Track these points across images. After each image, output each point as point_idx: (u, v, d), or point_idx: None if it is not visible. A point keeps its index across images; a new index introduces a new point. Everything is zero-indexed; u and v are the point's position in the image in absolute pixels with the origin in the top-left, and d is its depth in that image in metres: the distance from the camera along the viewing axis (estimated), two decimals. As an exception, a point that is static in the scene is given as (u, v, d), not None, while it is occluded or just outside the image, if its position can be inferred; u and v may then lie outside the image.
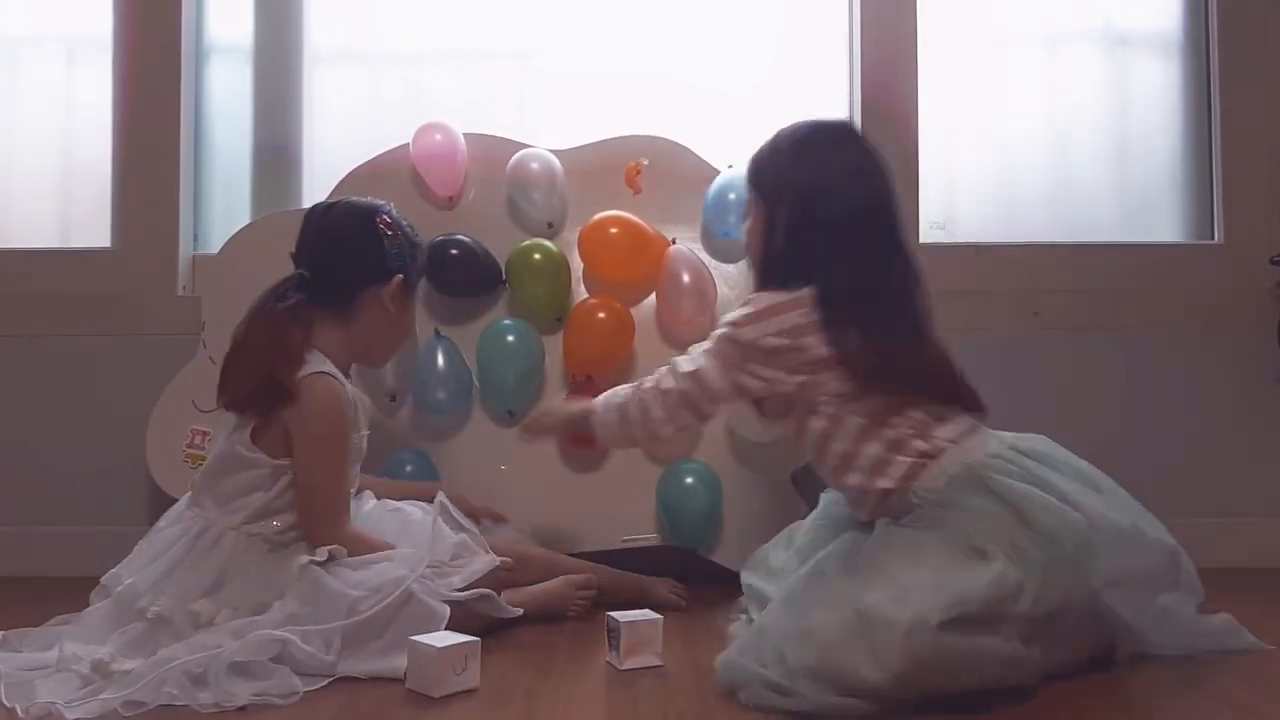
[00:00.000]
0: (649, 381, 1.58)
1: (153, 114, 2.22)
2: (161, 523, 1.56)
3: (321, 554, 1.46)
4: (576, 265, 2.04)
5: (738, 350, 1.49)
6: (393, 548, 1.55)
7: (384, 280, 1.64)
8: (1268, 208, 2.27)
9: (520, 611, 1.59)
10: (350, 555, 1.49)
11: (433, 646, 1.31)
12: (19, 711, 1.23)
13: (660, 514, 1.96)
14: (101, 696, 1.26)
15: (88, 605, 1.52)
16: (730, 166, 2.08)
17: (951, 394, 1.48)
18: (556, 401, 1.82)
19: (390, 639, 1.39)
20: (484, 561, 1.56)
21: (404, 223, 1.70)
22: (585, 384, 1.97)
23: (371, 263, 1.63)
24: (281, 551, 1.50)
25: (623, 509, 1.98)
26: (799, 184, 1.51)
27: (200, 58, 2.32)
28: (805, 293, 1.46)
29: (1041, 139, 2.36)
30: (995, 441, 1.45)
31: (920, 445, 1.42)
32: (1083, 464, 1.47)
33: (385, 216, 1.66)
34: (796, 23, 2.36)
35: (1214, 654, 1.45)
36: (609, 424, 1.61)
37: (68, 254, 2.26)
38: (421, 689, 1.31)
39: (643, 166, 2.09)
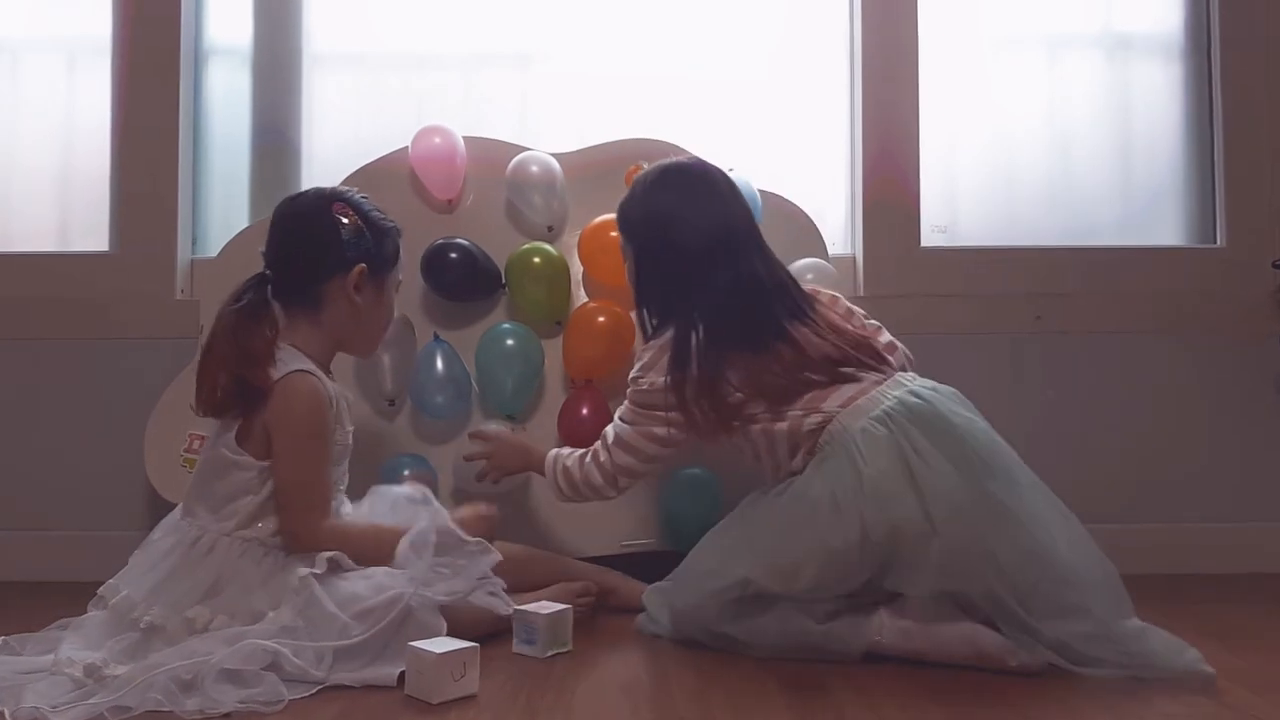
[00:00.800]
0: (590, 451, 1.68)
1: (151, 117, 2.22)
2: (155, 534, 1.55)
3: (320, 565, 1.44)
4: (576, 269, 2.04)
5: (641, 402, 1.62)
6: (381, 527, 1.54)
7: (345, 270, 1.59)
8: (1270, 211, 2.26)
9: (511, 609, 1.55)
10: (338, 552, 1.46)
11: (431, 652, 1.30)
12: (7, 715, 1.23)
13: (661, 519, 1.96)
14: (88, 701, 1.25)
15: (77, 614, 1.52)
16: (730, 169, 2.07)
17: (835, 370, 1.54)
18: (518, 435, 1.86)
19: (385, 653, 1.38)
20: (485, 563, 1.53)
21: (368, 207, 1.64)
22: (585, 388, 1.96)
23: (330, 253, 1.57)
24: (277, 555, 1.49)
25: (624, 514, 1.97)
26: (648, 228, 1.67)
27: (199, 60, 2.32)
28: (668, 334, 1.61)
29: (1043, 142, 2.36)
30: (891, 397, 1.48)
31: (811, 422, 1.50)
32: (972, 433, 1.45)
33: (342, 203, 1.60)
34: (797, 25, 2.36)
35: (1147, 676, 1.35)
36: (558, 485, 1.71)
37: (66, 257, 2.26)
38: (420, 695, 1.30)
39: (642, 169, 2.08)
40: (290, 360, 1.53)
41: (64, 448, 2.16)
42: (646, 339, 1.68)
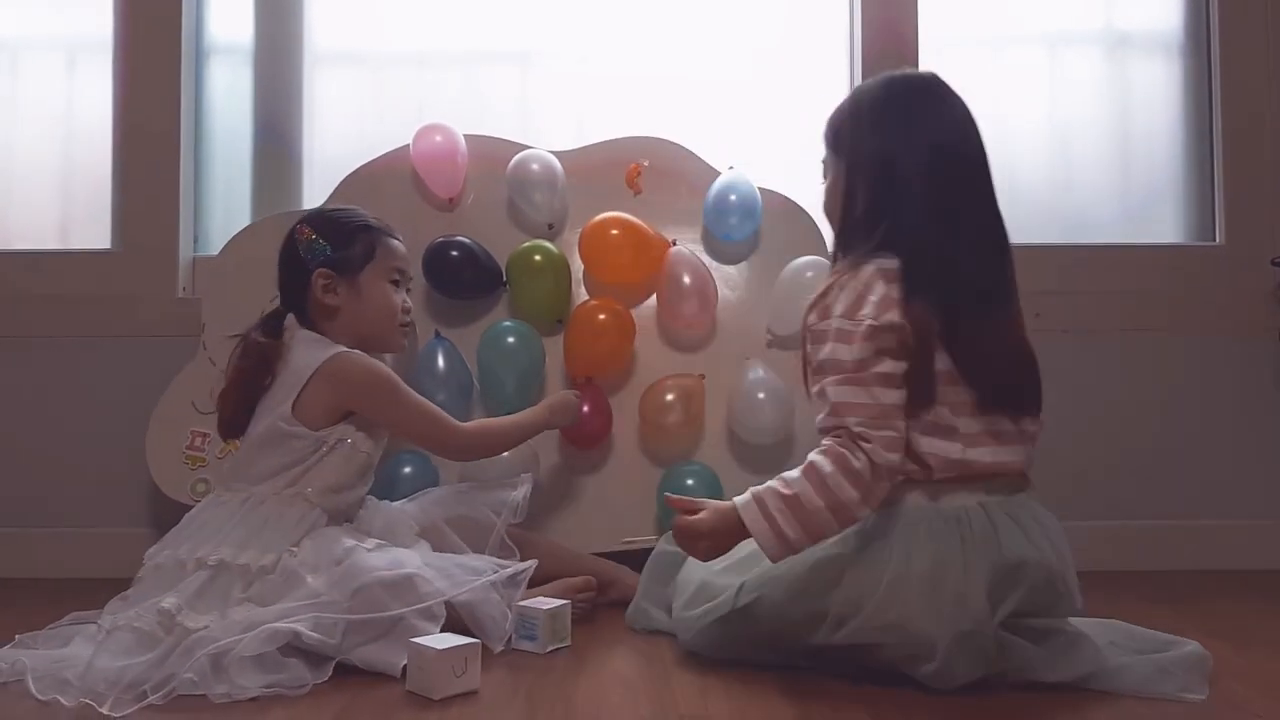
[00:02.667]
0: (813, 461, 1.32)
1: (153, 115, 2.22)
2: (187, 520, 1.57)
3: (370, 544, 1.50)
4: (577, 267, 2.04)
5: (862, 345, 1.32)
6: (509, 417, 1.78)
7: (308, 281, 1.67)
8: (1269, 209, 2.26)
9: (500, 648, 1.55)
10: (486, 447, 1.75)
11: (433, 648, 1.31)
12: (62, 700, 1.27)
13: (661, 515, 1.96)
14: (127, 711, 1.27)
15: (82, 609, 1.55)
16: (731, 168, 2.08)
17: (1011, 394, 1.38)
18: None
19: (391, 633, 1.40)
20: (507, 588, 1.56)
21: (333, 214, 1.74)
22: (585, 386, 1.97)
23: (298, 272, 1.68)
24: (321, 514, 1.55)
25: (623, 510, 1.98)
26: (877, 145, 1.41)
27: (200, 58, 2.32)
28: (892, 263, 1.35)
29: (1042, 139, 2.36)
30: (975, 505, 1.33)
31: (938, 456, 1.33)
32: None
33: (301, 224, 1.70)
34: (797, 24, 2.36)
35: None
36: (780, 530, 1.31)
37: (68, 255, 2.26)
38: (421, 691, 1.31)
39: (643, 168, 2.09)
40: (319, 346, 1.62)
41: (66, 445, 2.17)
42: (841, 253, 1.45)
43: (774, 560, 1.34)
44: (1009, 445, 1.38)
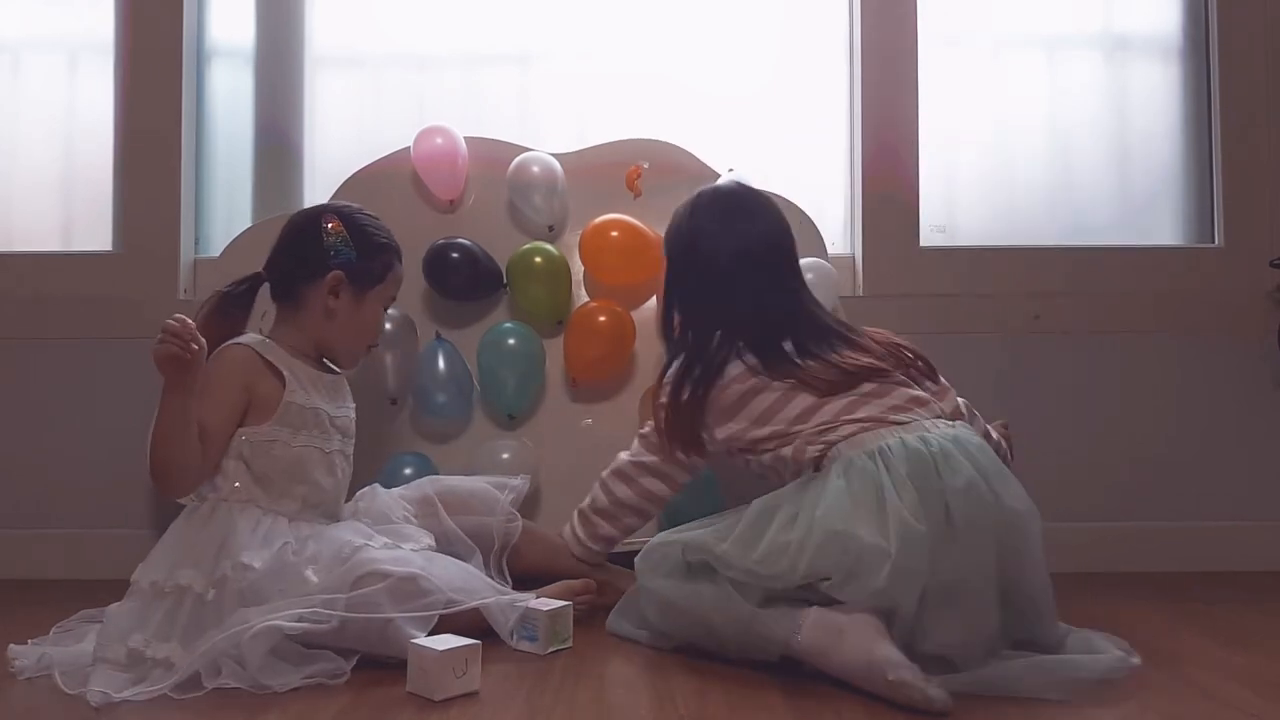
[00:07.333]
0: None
1: (154, 117, 2.22)
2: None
3: (377, 541, 1.50)
4: (577, 268, 2.05)
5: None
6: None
7: (322, 274, 1.64)
8: (1268, 211, 2.27)
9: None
10: (156, 457, 1.47)
11: (433, 649, 1.31)
12: (87, 697, 1.28)
13: (660, 515, 1.96)
14: (156, 687, 1.30)
15: (87, 607, 1.57)
16: (731, 170, 2.08)
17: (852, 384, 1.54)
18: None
19: (388, 634, 1.40)
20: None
21: (364, 222, 1.69)
22: (575, 384, 1.97)
23: (308, 260, 1.64)
24: (274, 516, 1.52)
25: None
26: (683, 248, 1.69)
27: (202, 60, 2.32)
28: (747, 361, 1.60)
29: (1042, 142, 2.36)
30: (896, 437, 1.44)
31: (814, 451, 1.49)
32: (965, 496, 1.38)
33: (333, 216, 1.67)
34: (796, 25, 2.36)
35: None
36: (591, 523, 1.75)
37: (69, 257, 2.26)
38: (422, 692, 1.31)
39: (643, 170, 2.09)
40: (241, 339, 1.60)
41: (66, 446, 2.17)
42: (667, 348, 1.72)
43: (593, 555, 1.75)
44: (880, 399, 1.52)
